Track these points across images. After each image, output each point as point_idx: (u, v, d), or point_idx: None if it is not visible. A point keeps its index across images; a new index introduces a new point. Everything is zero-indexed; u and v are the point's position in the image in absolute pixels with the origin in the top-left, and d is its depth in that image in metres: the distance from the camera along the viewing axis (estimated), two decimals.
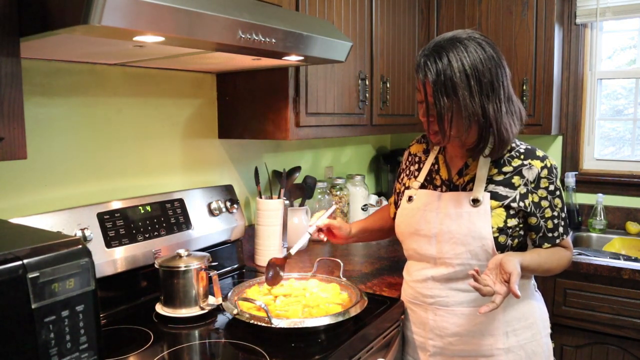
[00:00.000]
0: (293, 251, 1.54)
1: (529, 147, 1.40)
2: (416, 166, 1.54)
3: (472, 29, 1.34)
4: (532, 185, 1.35)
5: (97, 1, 0.86)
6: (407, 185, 1.53)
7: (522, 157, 1.37)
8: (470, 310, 1.37)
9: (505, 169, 1.37)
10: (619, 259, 2.16)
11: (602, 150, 2.75)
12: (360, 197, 2.57)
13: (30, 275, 0.74)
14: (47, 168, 1.45)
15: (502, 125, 1.30)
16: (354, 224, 1.65)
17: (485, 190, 1.36)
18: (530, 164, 1.36)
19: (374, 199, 2.75)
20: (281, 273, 1.55)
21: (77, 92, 1.50)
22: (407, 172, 1.56)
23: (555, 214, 1.38)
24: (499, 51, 1.32)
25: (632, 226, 2.53)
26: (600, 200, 2.56)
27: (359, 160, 2.96)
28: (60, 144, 1.47)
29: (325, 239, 1.60)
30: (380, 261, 1.98)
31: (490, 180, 1.37)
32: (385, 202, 2.79)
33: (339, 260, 1.70)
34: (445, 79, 1.25)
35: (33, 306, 0.75)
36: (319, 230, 1.57)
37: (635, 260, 2.14)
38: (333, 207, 1.69)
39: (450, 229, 1.37)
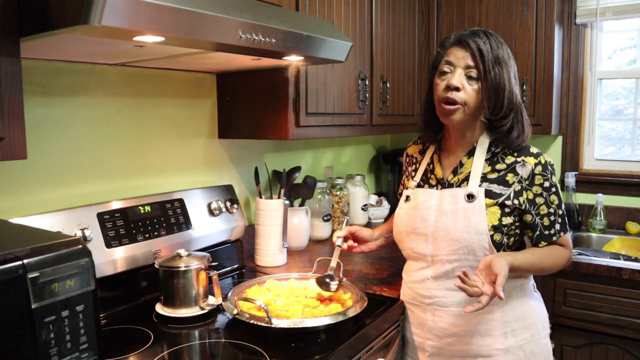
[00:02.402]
0: (334, 264, 1.53)
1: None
2: (413, 167, 1.55)
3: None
4: (527, 182, 1.35)
5: (97, 1, 0.86)
6: (406, 186, 1.54)
7: (515, 154, 1.38)
8: None
9: (498, 167, 1.38)
10: (619, 259, 2.16)
11: (602, 150, 2.75)
12: (360, 197, 2.57)
13: (30, 275, 0.74)
14: (47, 168, 1.45)
15: (524, 112, 1.39)
16: (376, 229, 1.67)
17: (479, 186, 1.36)
18: (523, 160, 1.36)
19: (374, 199, 2.76)
20: (336, 279, 1.52)
21: (77, 92, 1.50)
22: (407, 174, 1.57)
23: (552, 210, 1.37)
24: None
25: (632, 226, 2.53)
26: (600, 200, 2.56)
27: (359, 160, 2.96)
28: (60, 144, 1.47)
29: (355, 247, 1.58)
30: (380, 261, 1.98)
31: (484, 178, 1.37)
32: (385, 202, 2.79)
33: (339, 260, 1.70)
34: (494, 55, 1.32)
35: (33, 306, 0.75)
36: (345, 239, 1.57)
37: (635, 260, 2.14)
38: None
39: (446, 225, 1.37)
